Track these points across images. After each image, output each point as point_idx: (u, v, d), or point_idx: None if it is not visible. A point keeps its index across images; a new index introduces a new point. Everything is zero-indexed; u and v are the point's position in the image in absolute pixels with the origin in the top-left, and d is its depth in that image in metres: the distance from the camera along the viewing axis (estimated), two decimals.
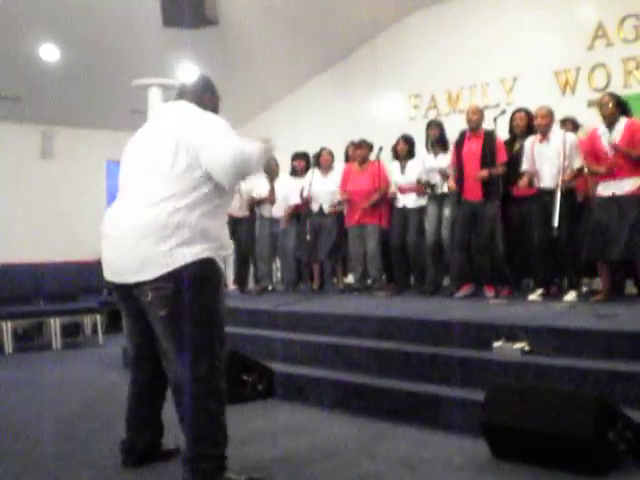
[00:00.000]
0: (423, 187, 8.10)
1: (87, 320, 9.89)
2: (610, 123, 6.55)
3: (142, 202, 3.62)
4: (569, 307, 6.37)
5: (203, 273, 3.63)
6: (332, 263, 9.30)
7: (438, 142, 8.08)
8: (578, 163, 6.86)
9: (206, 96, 3.96)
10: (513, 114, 7.80)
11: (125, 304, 3.94)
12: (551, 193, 6.82)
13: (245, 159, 3.57)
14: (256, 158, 3.65)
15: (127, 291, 3.77)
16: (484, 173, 7.33)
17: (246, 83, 10.79)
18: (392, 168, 8.57)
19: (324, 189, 8.90)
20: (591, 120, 7.61)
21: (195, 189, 3.60)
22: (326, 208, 8.99)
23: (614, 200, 6.50)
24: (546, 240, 6.92)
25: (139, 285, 3.65)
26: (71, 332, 9.88)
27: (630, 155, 6.41)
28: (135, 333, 3.99)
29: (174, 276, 3.57)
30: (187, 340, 3.63)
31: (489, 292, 7.39)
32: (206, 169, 3.58)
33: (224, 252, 3.80)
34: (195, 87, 3.98)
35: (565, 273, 7.10)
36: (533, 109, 7.30)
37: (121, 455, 4.08)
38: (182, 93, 3.98)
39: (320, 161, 8.98)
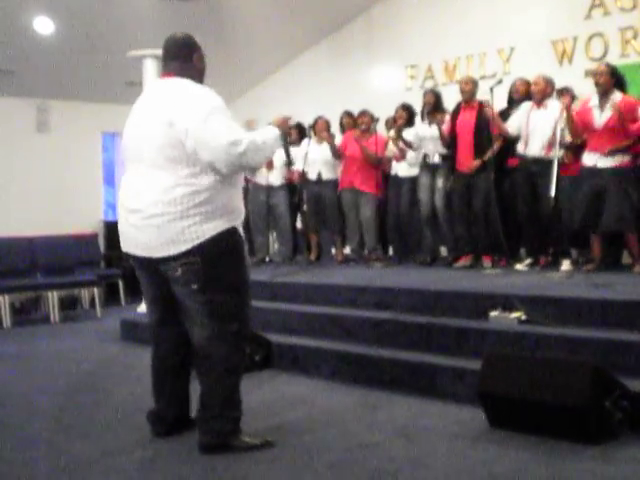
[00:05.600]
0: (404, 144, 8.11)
1: (85, 293, 9.91)
2: (603, 93, 6.52)
3: (163, 182, 3.64)
4: (565, 277, 6.39)
5: (228, 243, 3.74)
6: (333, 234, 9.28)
7: (433, 110, 8.04)
8: (569, 137, 6.82)
9: (195, 56, 3.93)
10: (514, 81, 7.78)
11: (146, 275, 3.95)
12: (538, 162, 6.82)
13: (253, 149, 3.66)
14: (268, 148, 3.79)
15: (147, 263, 3.81)
16: (476, 163, 7.32)
17: (241, 54, 10.72)
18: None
19: (321, 156, 8.87)
20: (588, 90, 7.57)
21: (210, 167, 3.65)
22: (324, 175, 8.96)
23: (600, 172, 6.48)
24: (532, 209, 6.92)
25: (165, 260, 3.70)
26: (69, 305, 9.90)
27: (626, 128, 6.37)
28: (157, 303, 4.01)
29: (201, 250, 3.65)
30: (218, 308, 3.73)
31: (487, 262, 7.41)
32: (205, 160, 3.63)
33: (240, 219, 3.88)
34: (183, 48, 3.92)
35: (558, 243, 7.07)
36: (531, 79, 7.28)
37: (150, 425, 4.09)
38: (170, 55, 3.93)
39: (316, 129, 8.95)
